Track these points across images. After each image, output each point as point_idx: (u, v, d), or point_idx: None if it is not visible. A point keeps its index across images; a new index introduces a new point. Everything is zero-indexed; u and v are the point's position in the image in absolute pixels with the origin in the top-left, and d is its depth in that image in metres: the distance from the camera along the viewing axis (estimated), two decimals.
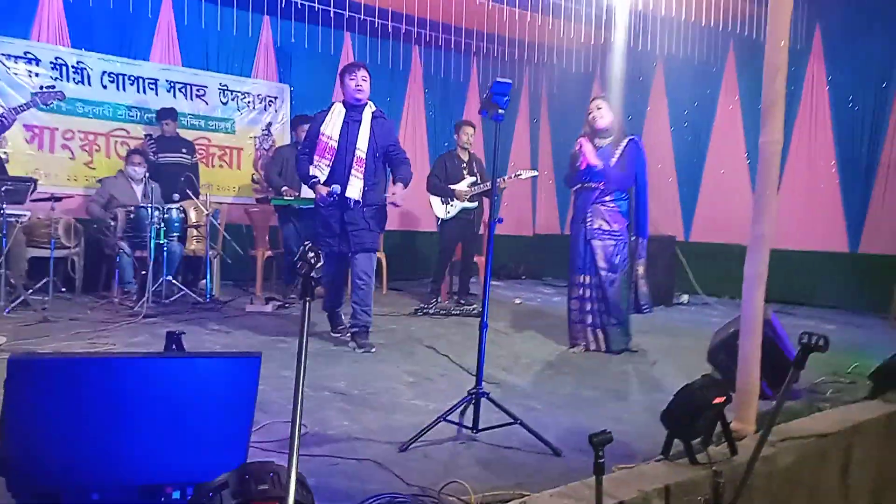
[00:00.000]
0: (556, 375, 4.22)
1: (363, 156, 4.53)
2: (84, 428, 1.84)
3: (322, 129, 4.56)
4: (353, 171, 4.49)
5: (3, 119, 4.45)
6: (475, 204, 6.90)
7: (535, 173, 7.24)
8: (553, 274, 9.93)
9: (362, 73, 4.57)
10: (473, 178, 6.88)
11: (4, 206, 5.21)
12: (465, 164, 6.94)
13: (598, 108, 4.74)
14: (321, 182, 4.52)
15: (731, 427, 2.78)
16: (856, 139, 7.70)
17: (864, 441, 3.02)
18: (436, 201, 6.93)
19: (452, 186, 6.84)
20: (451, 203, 6.85)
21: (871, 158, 7.60)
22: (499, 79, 2.81)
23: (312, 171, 4.55)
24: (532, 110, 10.62)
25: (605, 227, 4.69)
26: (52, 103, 4.87)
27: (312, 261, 1.50)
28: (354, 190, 4.49)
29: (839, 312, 7.27)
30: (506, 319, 6.17)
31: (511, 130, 10.33)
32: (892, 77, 7.37)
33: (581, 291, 4.78)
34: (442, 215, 6.93)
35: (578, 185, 4.87)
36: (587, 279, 4.73)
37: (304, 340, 1.49)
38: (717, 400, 2.41)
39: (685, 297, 8.00)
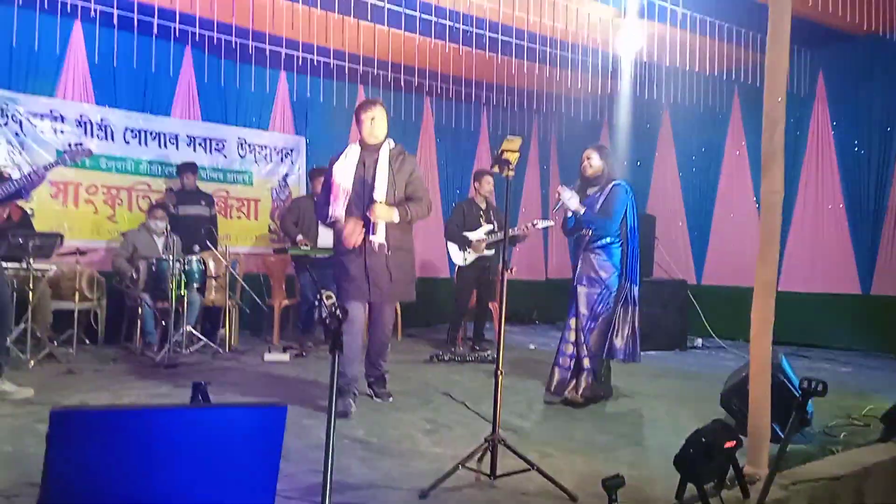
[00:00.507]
0: (571, 421, 4.27)
1: (381, 197, 4.24)
2: (121, 477, 1.93)
3: (334, 171, 4.33)
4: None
5: (33, 177, 4.62)
6: (491, 252, 7.02)
7: (551, 223, 7.30)
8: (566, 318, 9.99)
9: (377, 109, 4.34)
10: (490, 227, 7.02)
11: (32, 260, 5.36)
12: (482, 212, 7.08)
13: (588, 158, 4.81)
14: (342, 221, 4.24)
15: (744, 471, 2.84)
16: (862, 182, 7.81)
17: (875, 484, 3.06)
18: (453, 248, 7.08)
19: (469, 234, 6.98)
20: (467, 250, 6.98)
21: (878, 201, 7.70)
22: (509, 136, 2.95)
23: (331, 211, 4.28)
24: (542, 157, 10.82)
25: (592, 274, 4.70)
26: (79, 160, 5.03)
27: (340, 315, 1.61)
28: (377, 234, 4.20)
29: (853, 354, 7.29)
30: (521, 365, 6.23)
31: (522, 178, 10.52)
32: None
33: (565, 334, 4.83)
34: (459, 262, 7.08)
35: (574, 232, 4.93)
36: (572, 323, 4.78)
37: (333, 395, 1.59)
38: (728, 444, 2.47)
39: (699, 341, 8.04)
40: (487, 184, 7.15)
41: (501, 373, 3.06)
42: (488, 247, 7.00)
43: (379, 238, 4.22)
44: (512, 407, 4.41)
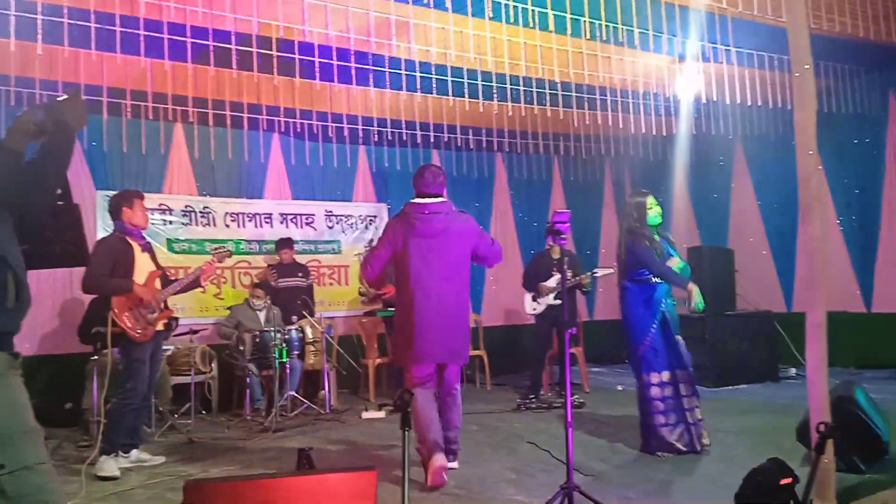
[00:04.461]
0: (654, 463, 4.44)
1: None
2: None
3: None
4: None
5: (192, 280, 5.30)
6: (560, 301, 7.21)
7: (611, 270, 7.48)
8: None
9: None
10: (560, 276, 7.25)
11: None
12: (555, 262, 7.32)
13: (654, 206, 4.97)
14: None
15: (814, 503, 2.98)
16: None
17: None
18: (527, 298, 7.36)
19: (541, 284, 7.25)
20: (538, 301, 7.24)
21: None
22: (557, 210, 3.26)
23: None
24: (617, 200, 10.98)
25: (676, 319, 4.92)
26: (224, 260, 5.76)
27: (407, 398, 1.94)
28: None
29: None
30: (608, 407, 6.39)
31: (598, 221, 10.72)
32: None
33: (663, 390, 4.84)
34: (529, 311, 7.34)
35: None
36: (666, 376, 4.81)
37: (406, 468, 1.92)
38: (784, 481, 2.65)
39: (792, 370, 7.95)
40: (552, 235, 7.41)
41: (570, 424, 3.32)
42: (557, 297, 7.19)
43: None
44: (595, 452, 4.62)
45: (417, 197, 4.58)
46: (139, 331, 4.79)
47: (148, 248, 5.16)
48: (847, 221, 8.47)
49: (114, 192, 5.56)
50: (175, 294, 5.26)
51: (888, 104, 7.99)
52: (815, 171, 3.07)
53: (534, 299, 7.31)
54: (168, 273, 5.50)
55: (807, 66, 3.18)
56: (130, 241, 4.97)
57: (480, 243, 4.60)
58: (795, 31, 3.31)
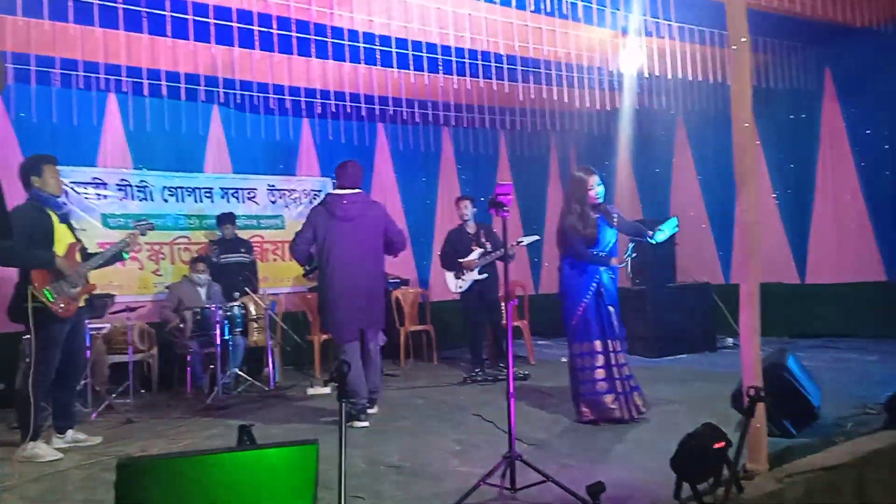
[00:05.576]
0: (594, 431, 4.52)
1: None
2: None
3: None
4: None
5: (115, 253, 5.08)
6: (485, 275, 7.21)
7: (537, 237, 7.61)
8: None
9: None
10: (482, 250, 7.23)
11: (88, 322, 5.80)
12: (472, 237, 7.33)
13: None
14: None
15: (746, 466, 3.08)
16: (879, 171, 7.88)
17: (876, 471, 3.24)
18: (449, 276, 7.32)
19: (461, 260, 7.22)
20: (462, 277, 7.22)
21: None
22: (500, 181, 3.25)
23: None
24: (563, 174, 11.06)
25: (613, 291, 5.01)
26: (146, 233, 5.47)
27: (345, 370, 1.92)
28: None
29: (883, 342, 7.33)
30: (552, 379, 6.48)
31: (544, 195, 10.78)
32: None
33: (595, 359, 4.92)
34: (455, 289, 7.30)
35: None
36: (598, 345, 4.88)
37: (343, 439, 1.89)
38: (717, 445, 2.71)
39: (730, 341, 8.17)
40: (460, 208, 7.38)
41: (512, 395, 3.35)
42: (480, 271, 7.18)
43: None
44: (538, 423, 4.68)
45: (338, 188, 5.36)
46: (62, 306, 4.60)
47: (66, 218, 4.93)
48: (783, 195, 8.71)
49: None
50: (97, 268, 5.00)
51: (824, 80, 8.20)
52: (750, 144, 3.13)
53: (457, 276, 7.28)
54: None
55: (743, 40, 3.22)
56: (48, 211, 4.71)
57: (390, 228, 5.40)
58: (733, 5, 3.35)
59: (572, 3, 5.97)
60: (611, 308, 4.84)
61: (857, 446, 3.39)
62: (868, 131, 7.94)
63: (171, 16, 5.37)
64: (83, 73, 6.22)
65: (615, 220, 4.98)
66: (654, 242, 5.06)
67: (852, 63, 7.99)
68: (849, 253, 8.09)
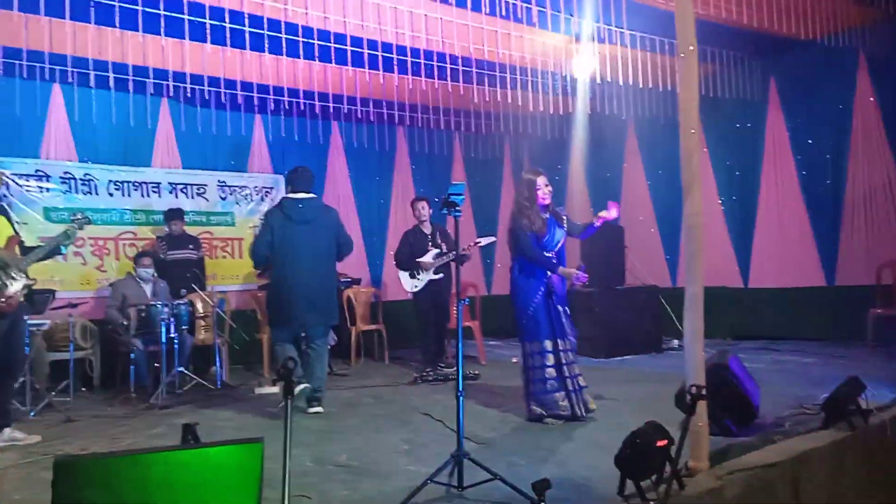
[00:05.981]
0: (541, 430, 4.57)
1: None
2: None
3: None
4: None
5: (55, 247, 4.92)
6: (440, 275, 7.24)
7: (493, 239, 7.69)
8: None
9: None
10: (438, 250, 7.26)
11: (27, 318, 5.62)
12: (428, 237, 7.35)
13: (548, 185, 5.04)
14: None
15: (689, 465, 3.15)
16: (820, 180, 8.14)
17: (811, 470, 3.35)
18: (404, 276, 7.32)
19: (418, 259, 7.23)
20: (418, 276, 7.24)
21: (836, 195, 8.03)
22: (453, 182, 3.27)
23: None
24: (516, 176, 11.13)
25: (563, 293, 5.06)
26: (83, 227, 5.28)
27: (290, 365, 1.91)
28: None
29: (823, 344, 7.60)
30: (503, 379, 6.52)
31: (498, 197, 10.84)
32: (848, 118, 7.86)
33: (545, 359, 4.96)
34: (410, 289, 7.31)
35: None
36: (549, 345, 4.92)
37: (288, 437, 1.88)
38: (660, 443, 2.77)
39: (675, 342, 8.34)
40: (416, 209, 7.41)
41: (461, 393, 3.36)
42: (436, 271, 7.21)
43: None
44: (487, 422, 4.71)
45: (292, 192, 5.63)
46: (1, 301, 4.45)
47: (4, 210, 4.79)
48: (728, 201, 8.94)
49: None
50: (37, 262, 4.84)
51: (769, 90, 8.44)
52: (696, 149, 3.20)
53: (412, 276, 7.29)
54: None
55: (691, 48, 3.30)
56: None
57: (340, 234, 5.68)
58: (682, 14, 3.42)
59: (527, 7, 6.02)
60: (560, 308, 4.89)
61: (795, 445, 3.50)
62: (810, 140, 8.20)
63: (120, 6, 5.25)
64: (27, 63, 6.02)
65: (564, 221, 5.04)
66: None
67: (796, 74, 8.25)
68: (790, 258, 8.34)
